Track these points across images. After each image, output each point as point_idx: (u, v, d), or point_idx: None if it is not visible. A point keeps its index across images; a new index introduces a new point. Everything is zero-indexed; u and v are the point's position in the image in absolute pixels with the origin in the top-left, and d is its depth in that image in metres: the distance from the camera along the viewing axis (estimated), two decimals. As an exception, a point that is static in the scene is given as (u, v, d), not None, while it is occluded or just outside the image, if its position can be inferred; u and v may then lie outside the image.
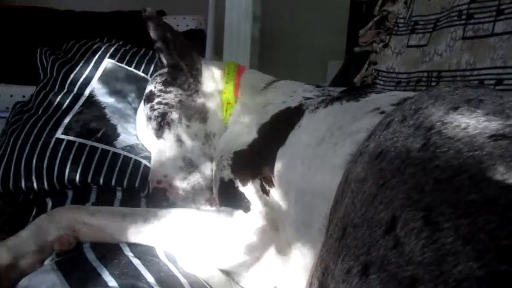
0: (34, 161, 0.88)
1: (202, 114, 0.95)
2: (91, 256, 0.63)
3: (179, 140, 0.92)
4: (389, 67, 1.12)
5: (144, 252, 0.66)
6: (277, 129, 0.83)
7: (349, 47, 2.29)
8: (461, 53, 0.93)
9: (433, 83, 0.99)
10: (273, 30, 2.59)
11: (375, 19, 1.19)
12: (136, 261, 0.63)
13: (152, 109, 0.94)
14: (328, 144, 0.69)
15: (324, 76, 2.59)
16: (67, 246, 0.65)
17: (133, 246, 0.68)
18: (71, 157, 0.88)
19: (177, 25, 2.26)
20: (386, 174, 0.40)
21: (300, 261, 0.67)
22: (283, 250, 0.70)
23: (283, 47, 2.63)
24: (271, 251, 0.70)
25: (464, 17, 0.94)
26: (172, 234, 0.71)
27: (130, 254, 0.64)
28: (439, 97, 0.43)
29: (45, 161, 0.88)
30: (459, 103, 0.41)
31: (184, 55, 0.97)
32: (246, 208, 0.74)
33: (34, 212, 0.87)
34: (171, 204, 0.85)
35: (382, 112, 0.66)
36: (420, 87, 1.02)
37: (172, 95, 0.95)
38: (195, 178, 0.88)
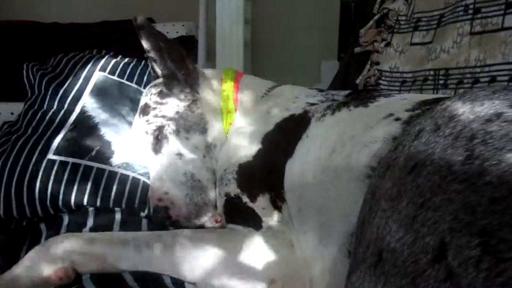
0: (25, 185, 0.82)
1: (201, 125, 0.90)
2: (92, 289, 0.57)
3: (178, 154, 0.87)
4: (392, 67, 1.09)
5: (150, 281, 0.61)
6: (283, 140, 0.78)
7: (342, 46, 2.27)
8: (469, 49, 0.90)
9: (441, 81, 0.95)
10: (264, 32, 2.56)
11: (375, 17, 1.15)
12: (142, 293, 0.57)
13: (148, 122, 0.89)
14: (340, 156, 0.64)
15: (318, 76, 2.56)
16: (65, 280, 0.60)
17: (137, 275, 0.62)
18: (64, 178, 0.83)
19: (167, 32, 2.21)
20: (425, 191, 0.36)
21: (319, 282, 0.62)
22: (300, 271, 0.65)
23: (276, 49, 2.60)
24: (288, 272, 0.65)
25: (470, 11, 0.91)
26: (178, 259, 0.66)
27: (134, 285, 0.59)
28: (476, 102, 0.39)
29: (37, 185, 0.82)
30: (502, 109, 0.37)
31: (179, 64, 0.92)
32: (257, 226, 0.69)
33: (28, 240, 0.81)
34: (174, 223, 0.80)
35: (397, 119, 0.62)
36: (426, 86, 0.99)
37: (168, 107, 0.90)
38: (198, 194, 0.83)
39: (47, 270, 0.61)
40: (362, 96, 0.77)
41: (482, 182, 0.33)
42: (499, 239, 0.29)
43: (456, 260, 0.31)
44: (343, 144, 0.65)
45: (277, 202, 0.71)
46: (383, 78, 1.11)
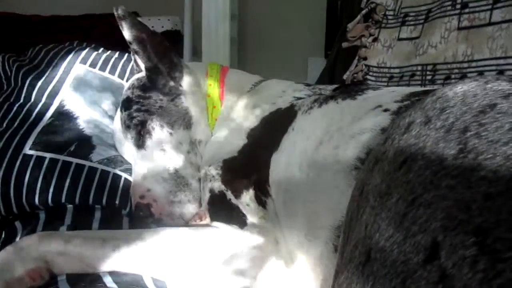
0: (-1, 181, 0.79)
1: (185, 120, 0.87)
2: (67, 291, 0.55)
3: (162, 149, 0.84)
4: (380, 62, 1.07)
5: (130, 283, 0.58)
6: (268, 133, 0.77)
7: (329, 43, 2.26)
8: (457, 44, 0.89)
9: (428, 77, 0.95)
10: (251, 28, 2.53)
11: (363, 12, 1.13)
12: (120, 294, 0.55)
13: (130, 117, 0.86)
14: (327, 148, 0.63)
15: (305, 73, 2.55)
16: (39, 281, 0.57)
17: (116, 276, 0.60)
18: (41, 174, 0.79)
19: (152, 27, 2.16)
20: (415, 187, 0.34)
21: (306, 279, 0.60)
22: (285, 268, 0.63)
23: (262, 46, 2.58)
24: (273, 270, 0.64)
25: (458, 6, 0.90)
26: (160, 259, 0.63)
27: (113, 286, 0.56)
28: (469, 93, 0.37)
29: (12, 181, 0.79)
30: (495, 100, 0.35)
31: (162, 57, 0.89)
32: (242, 223, 0.67)
33: (2, 239, 0.77)
34: (157, 221, 0.77)
35: (385, 110, 0.61)
36: (414, 81, 0.98)
37: (151, 101, 0.87)
38: (182, 191, 0.81)
39: (20, 271, 0.58)
40: (350, 89, 0.76)
41: (476, 177, 0.31)
42: (496, 238, 0.28)
43: (449, 260, 0.29)
44: (330, 136, 0.64)
45: (262, 197, 0.69)
46: (370, 73, 1.09)
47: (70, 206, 0.80)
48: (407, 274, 0.31)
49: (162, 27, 2.28)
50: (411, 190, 0.34)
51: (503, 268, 0.26)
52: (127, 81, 1.04)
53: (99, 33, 2.10)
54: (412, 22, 1.03)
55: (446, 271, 0.29)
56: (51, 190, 0.79)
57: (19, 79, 0.96)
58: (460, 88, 0.39)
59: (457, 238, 0.29)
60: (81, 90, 0.96)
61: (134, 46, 0.87)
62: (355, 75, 1.12)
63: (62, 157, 0.82)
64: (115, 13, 0.84)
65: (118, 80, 1.04)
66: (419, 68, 0.97)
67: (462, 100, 0.37)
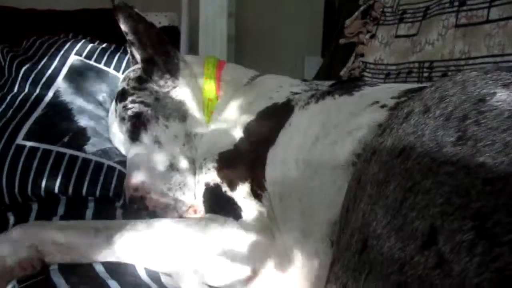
0: (-9, 171, 0.78)
1: (181, 113, 0.87)
2: (59, 281, 0.54)
3: (157, 142, 0.83)
4: (377, 59, 1.07)
5: (123, 273, 0.58)
6: (265, 128, 0.76)
7: (326, 42, 2.26)
8: (454, 41, 0.89)
9: (425, 74, 0.95)
10: (248, 26, 2.52)
11: (361, 8, 1.13)
12: (113, 284, 0.54)
13: (125, 108, 0.85)
14: (324, 144, 0.62)
15: (301, 72, 2.55)
16: (30, 271, 0.56)
17: (109, 266, 0.59)
18: (34, 165, 0.78)
19: (149, 23, 2.15)
20: (414, 175, 0.34)
21: (301, 273, 0.60)
22: (281, 261, 0.63)
23: (259, 44, 2.57)
24: (268, 263, 0.63)
25: (456, 3, 0.90)
26: (153, 250, 0.63)
27: (106, 276, 0.56)
28: (468, 83, 0.37)
29: (4, 171, 0.78)
30: (495, 89, 0.35)
31: (159, 49, 0.88)
32: (237, 215, 0.67)
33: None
34: (151, 214, 0.76)
35: (383, 106, 0.60)
36: (411, 78, 0.98)
37: (147, 93, 0.87)
38: (176, 184, 0.80)
39: (11, 261, 0.57)
40: (347, 85, 0.75)
41: (474, 163, 0.31)
42: (494, 222, 0.27)
43: (447, 245, 0.29)
44: (327, 132, 0.63)
45: (257, 191, 0.68)
46: (367, 70, 1.09)
47: (63, 197, 0.79)
48: (405, 260, 0.31)
49: (159, 23, 2.27)
50: (409, 177, 0.34)
51: (501, 251, 0.26)
52: (122, 73, 1.03)
53: (96, 29, 2.09)
54: (410, 19, 1.03)
55: (444, 256, 0.28)
56: (44, 181, 0.78)
57: (13, 69, 0.95)
58: (460, 77, 0.39)
59: (455, 223, 0.29)
60: (76, 81, 0.95)
61: (130, 37, 0.86)
62: (352, 71, 1.12)
63: (55, 148, 0.81)
64: (112, 3, 0.83)
65: (114, 72, 1.03)
66: (416, 65, 0.97)
67: (461, 89, 0.37)
